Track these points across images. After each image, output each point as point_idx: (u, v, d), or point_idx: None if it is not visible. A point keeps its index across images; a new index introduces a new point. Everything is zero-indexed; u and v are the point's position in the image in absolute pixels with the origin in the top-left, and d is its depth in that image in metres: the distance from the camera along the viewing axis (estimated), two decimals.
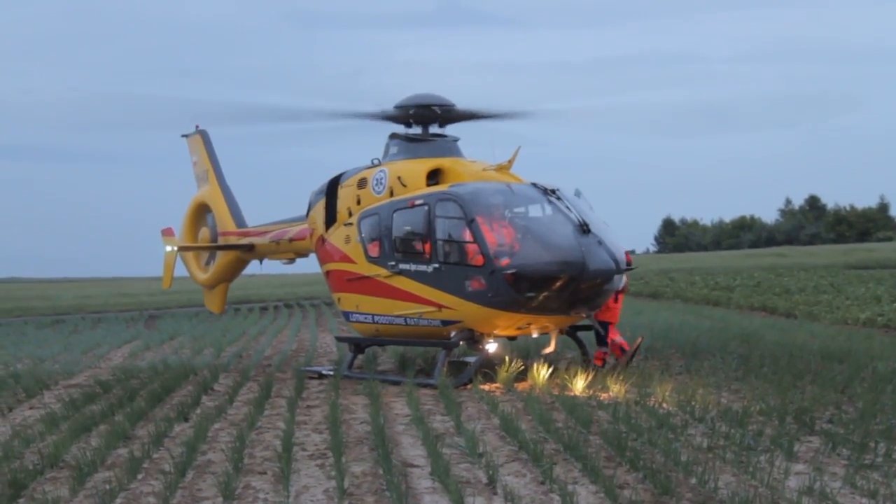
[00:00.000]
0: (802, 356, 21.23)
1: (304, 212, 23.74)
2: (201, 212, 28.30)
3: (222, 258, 27.15)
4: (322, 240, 22.60)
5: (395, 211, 20.40)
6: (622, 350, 20.40)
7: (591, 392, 17.54)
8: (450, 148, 21.69)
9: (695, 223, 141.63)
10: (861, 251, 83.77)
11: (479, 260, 18.89)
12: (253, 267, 27.45)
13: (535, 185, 19.99)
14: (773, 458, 12.30)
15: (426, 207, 19.75)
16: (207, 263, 28.02)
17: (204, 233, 28.02)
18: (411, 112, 21.75)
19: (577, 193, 20.79)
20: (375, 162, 21.88)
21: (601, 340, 20.59)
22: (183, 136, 29.67)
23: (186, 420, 16.12)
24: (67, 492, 11.51)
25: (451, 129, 22.14)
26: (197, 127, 29.04)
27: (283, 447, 13.31)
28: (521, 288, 18.51)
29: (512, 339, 21.08)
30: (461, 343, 19.75)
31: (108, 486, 11.45)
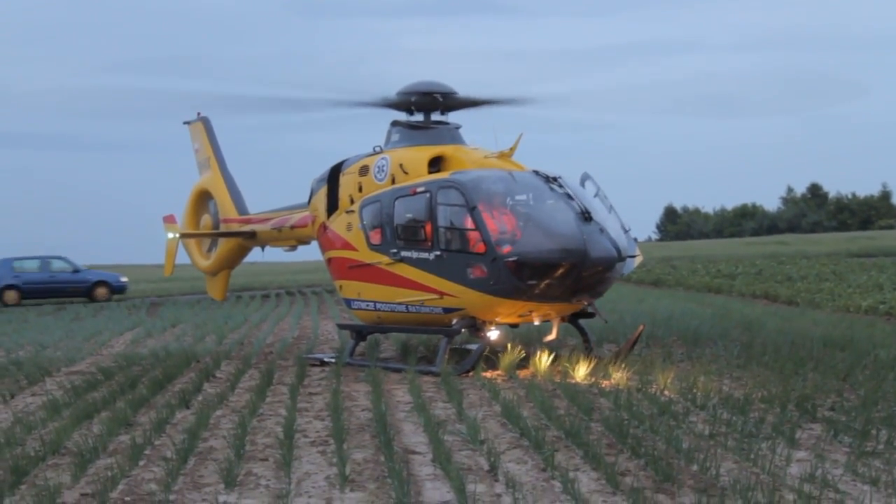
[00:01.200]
0: (804, 344, 21.23)
1: (306, 199, 23.73)
2: (203, 199, 28.30)
3: (224, 245, 27.16)
4: (324, 227, 22.59)
5: (396, 198, 20.39)
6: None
7: (593, 380, 17.56)
8: (452, 135, 21.67)
9: (696, 211, 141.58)
10: (863, 239, 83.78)
11: (480, 247, 18.88)
12: (255, 254, 27.47)
13: (536, 172, 19.97)
14: (774, 445, 12.30)
15: (428, 195, 19.74)
16: (209, 250, 28.03)
17: (206, 220, 28.03)
18: (413, 99, 21.72)
19: (585, 177, 20.79)
20: (377, 149, 21.86)
21: None
22: (185, 123, 29.66)
23: (188, 407, 16.13)
24: (69, 478, 11.52)
25: (453, 117, 22.12)
26: (199, 114, 29.02)
27: (284, 434, 13.32)
28: (522, 275, 18.52)
29: (514, 326, 21.08)
30: (463, 330, 19.76)
31: (109, 473, 11.46)
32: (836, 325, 25.14)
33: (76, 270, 51.46)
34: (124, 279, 52.88)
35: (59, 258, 52.21)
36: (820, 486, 10.44)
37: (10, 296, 49.84)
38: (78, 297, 51.17)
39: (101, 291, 51.13)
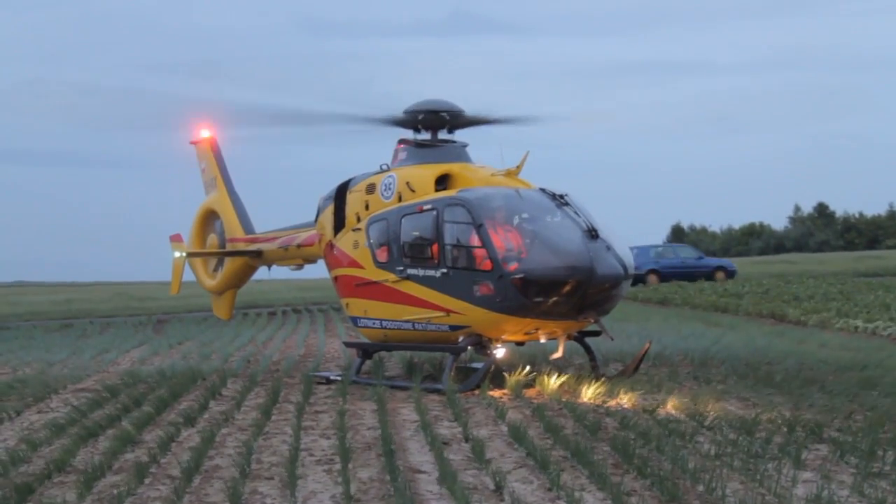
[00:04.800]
0: (812, 364, 21.20)
1: (313, 218, 23.73)
2: (209, 218, 28.28)
3: (230, 264, 27.12)
4: (330, 245, 22.59)
5: (403, 216, 20.41)
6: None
7: (600, 399, 17.52)
8: (458, 153, 21.70)
9: (703, 230, 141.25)
10: (870, 259, 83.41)
11: (487, 265, 18.89)
12: (261, 272, 27.44)
13: (543, 190, 20.02)
14: (780, 465, 12.27)
15: (434, 212, 19.77)
16: (215, 270, 27.98)
17: (212, 239, 28.01)
18: (420, 117, 21.75)
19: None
20: (384, 167, 21.89)
21: None
22: (191, 142, 29.68)
23: (194, 425, 16.11)
24: (75, 496, 11.51)
25: (459, 135, 22.14)
26: (205, 133, 29.03)
27: (290, 453, 13.31)
28: (529, 293, 18.52)
29: (520, 344, 21.06)
30: (469, 348, 19.75)
31: (115, 491, 11.46)
32: (845, 346, 25.09)
33: (700, 257, 59.95)
34: (735, 266, 60.80)
35: (685, 245, 64.74)
36: None
37: (652, 279, 56.89)
38: (702, 278, 56.71)
39: (719, 275, 57.41)
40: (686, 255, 60.12)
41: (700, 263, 59.07)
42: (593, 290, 18.74)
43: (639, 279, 55.76)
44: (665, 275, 57.51)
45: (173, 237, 26.97)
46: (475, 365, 21.25)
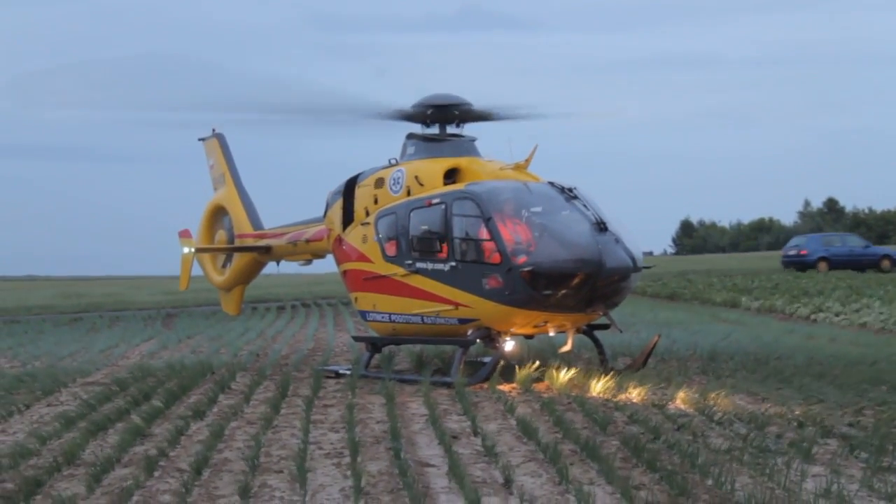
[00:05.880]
0: (821, 359, 21.16)
1: (322, 213, 23.73)
2: (218, 214, 28.28)
3: (239, 260, 27.12)
4: (339, 240, 22.59)
5: (412, 210, 20.41)
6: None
7: (609, 394, 17.51)
8: (467, 147, 21.68)
9: (713, 225, 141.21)
10: None
11: (495, 258, 18.89)
12: (270, 266, 27.45)
13: (551, 183, 20.02)
14: (790, 460, 12.25)
15: (443, 206, 19.77)
16: (224, 266, 27.98)
17: (220, 235, 28.00)
18: (429, 112, 21.72)
19: None
20: (393, 162, 21.89)
21: None
22: (200, 139, 29.66)
23: (203, 419, 16.12)
24: (84, 489, 11.53)
25: (468, 129, 22.11)
26: (213, 130, 29.04)
27: (299, 446, 13.31)
28: (537, 285, 18.52)
29: (529, 337, 21.06)
30: (478, 341, 19.75)
31: (124, 484, 11.47)
32: (854, 342, 25.04)
33: (867, 246, 62.61)
34: None
35: (852, 234, 68.71)
36: (835, 501, 10.40)
37: (822, 266, 59.44)
38: (868, 267, 59.69)
39: (885, 263, 59.93)
40: (854, 243, 62.35)
41: (867, 252, 61.21)
42: (602, 282, 18.74)
43: (809, 266, 59.91)
44: (834, 263, 59.72)
45: (182, 233, 26.98)
46: (484, 359, 21.24)
